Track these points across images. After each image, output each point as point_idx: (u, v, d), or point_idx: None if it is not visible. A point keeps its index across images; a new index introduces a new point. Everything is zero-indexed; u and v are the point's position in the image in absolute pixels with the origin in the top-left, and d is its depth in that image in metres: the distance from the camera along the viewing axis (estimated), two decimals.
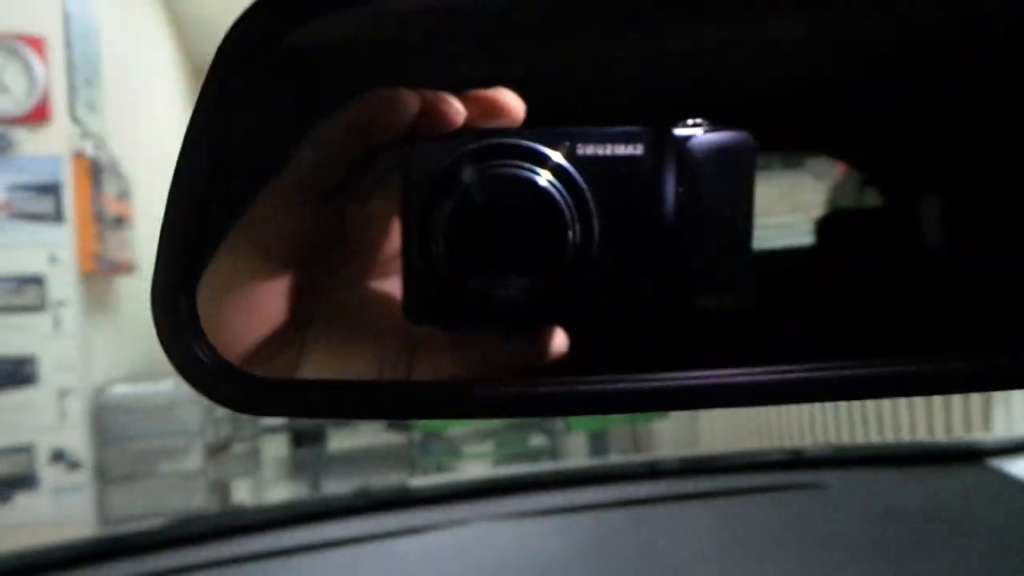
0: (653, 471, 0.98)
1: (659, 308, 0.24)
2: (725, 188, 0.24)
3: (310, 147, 0.26)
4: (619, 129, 0.24)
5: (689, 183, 0.24)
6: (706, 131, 0.24)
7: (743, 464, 0.98)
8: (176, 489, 3.04)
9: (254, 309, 0.26)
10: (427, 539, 0.81)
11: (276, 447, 4.58)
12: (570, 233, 0.23)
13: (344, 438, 5.55)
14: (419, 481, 0.94)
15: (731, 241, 0.24)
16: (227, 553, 0.80)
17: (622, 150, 0.23)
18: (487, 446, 3.81)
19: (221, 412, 3.74)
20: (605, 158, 0.23)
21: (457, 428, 4.28)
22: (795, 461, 0.95)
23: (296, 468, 4.81)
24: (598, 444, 3.40)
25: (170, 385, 3.12)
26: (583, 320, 0.25)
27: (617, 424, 3.28)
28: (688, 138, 0.24)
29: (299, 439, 4.64)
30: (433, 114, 0.24)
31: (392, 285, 0.27)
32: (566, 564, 0.72)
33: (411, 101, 0.24)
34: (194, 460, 3.07)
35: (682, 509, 0.85)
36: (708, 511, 0.85)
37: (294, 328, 0.27)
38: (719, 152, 0.24)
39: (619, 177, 0.23)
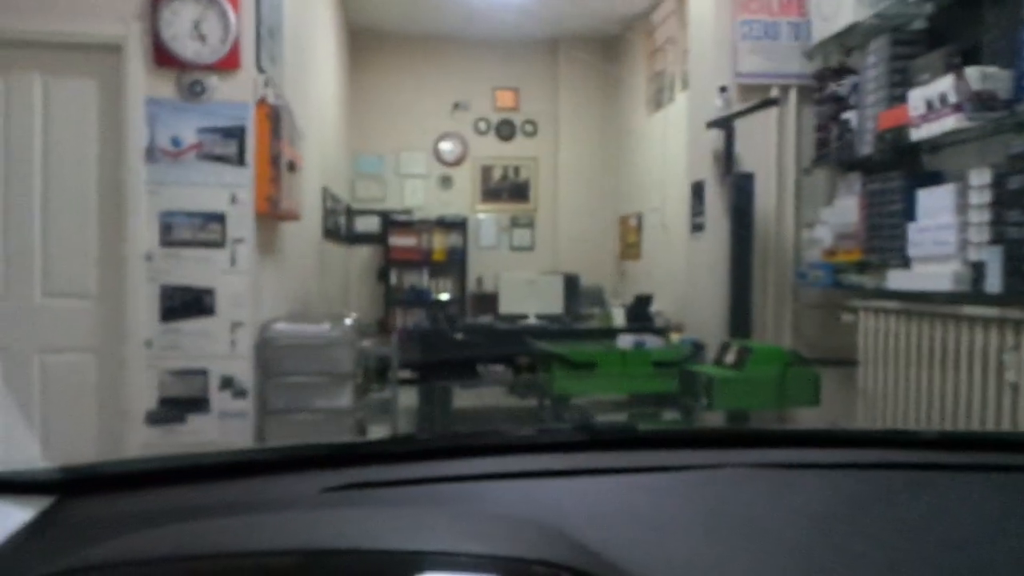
0: (908, 440, 0.91)
1: None
2: None
3: None
4: None
5: None
6: None
7: (1010, 441, 0.90)
8: (326, 424, 3.22)
9: None
10: (675, 478, 0.78)
11: (407, 398, 4.74)
12: None
13: (467, 398, 5.72)
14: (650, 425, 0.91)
15: None
16: (447, 471, 0.81)
17: None
18: (619, 417, 3.77)
19: (368, 357, 3.92)
20: None
21: (586, 397, 4.28)
22: None
23: (421, 419, 4.97)
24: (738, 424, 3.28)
25: (327, 327, 3.29)
26: None
27: (759, 408, 3.16)
28: None
29: (429, 394, 4.79)
30: None
31: None
32: (840, 520, 0.68)
33: None
34: (345, 399, 3.23)
35: (961, 480, 0.78)
36: (991, 485, 0.77)
37: None
38: None
39: None
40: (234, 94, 3.08)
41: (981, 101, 2.52)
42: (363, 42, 7.00)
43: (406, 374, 4.94)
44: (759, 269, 3.68)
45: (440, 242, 6.81)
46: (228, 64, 3.06)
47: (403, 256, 6.75)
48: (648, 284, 5.81)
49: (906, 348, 2.85)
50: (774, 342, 3.61)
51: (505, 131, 7.33)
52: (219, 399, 3.08)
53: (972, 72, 2.54)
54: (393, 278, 6.78)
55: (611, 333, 4.22)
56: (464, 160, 7.27)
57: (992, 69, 2.50)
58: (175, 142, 3.07)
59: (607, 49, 7.27)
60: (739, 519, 0.69)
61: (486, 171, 7.32)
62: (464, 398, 5.76)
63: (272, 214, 3.31)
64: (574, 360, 3.54)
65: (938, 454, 0.84)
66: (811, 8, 3.58)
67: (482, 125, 7.28)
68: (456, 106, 7.22)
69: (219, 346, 3.08)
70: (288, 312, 3.74)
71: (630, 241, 6.72)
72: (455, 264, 6.86)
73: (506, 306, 5.15)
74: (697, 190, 3.96)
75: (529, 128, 7.34)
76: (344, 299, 6.55)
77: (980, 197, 2.51)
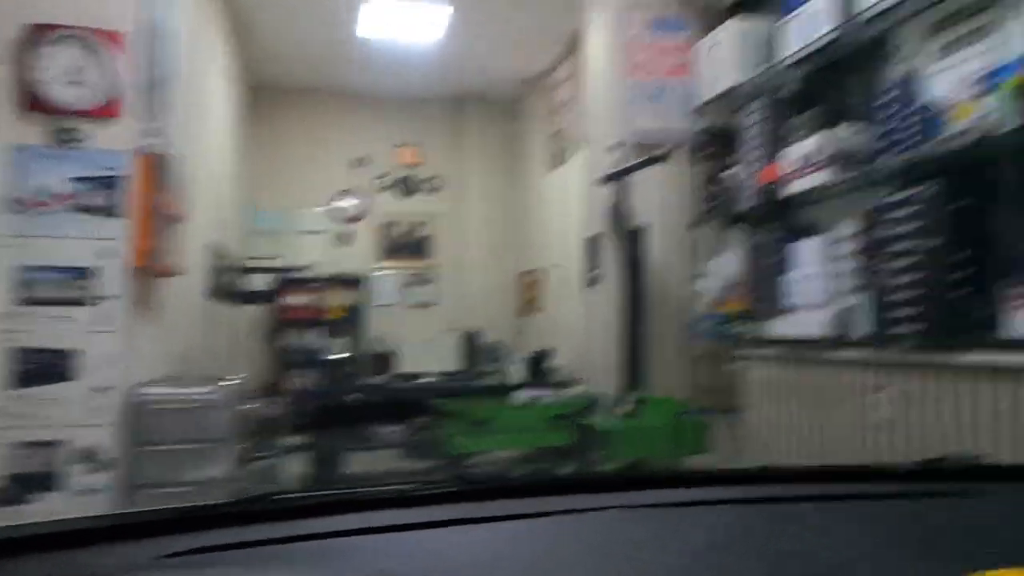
0: (780, 474, 0.91)
1: None
2: None
3: None
4: None
5: None
6: None
7: (876, 472, 0.91)
8: (202, 496, 2.96)
9: None
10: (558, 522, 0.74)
11: (297, 465, 4.49)
12: None
13: (362, 463, 5.47)
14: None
15: None
16: (307, 530, 0.73)
17: None
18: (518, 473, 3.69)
19: (254, 421, 3.67)
20: None
21: (486, 456, 4.18)
22: (931, 471, 0.88)
23: (315, 487, 4.71)
24: None
25: (207, 389, 3.07)
26: None
27: (656, 458, 3.18)
28: None
29: (321, 460, 4.55)
30: None
31: None
32: (718, 553, 0.65)
33: None
34: (224, 467, 3.00)
35: (826, 510, 0.78)
36: (853, 513, 0.78)
37: None
38: None
39: None
40: (113, 142, 2.91)
41: (844, 159, 2.70)
42: (262, 96, 6.88)
43: (296, 439, 4.69)
44: (653, 320, 3.75)
45: (337, 300, 6.62)
46: (107, 112, 2.89)
47: (297, 315, 6.52)
48: (549, 338, 5.84)
49: (787, 392, 2.95)
50: (669, 392, 3.66)
51: (407, 187, 7.32)
52: (77, 473, 2.79)
53: (835, 132, 2.73)
54: (286, 338, 6.51)
55: (510, 389, 4.17)
56: (365, 216, 7.18)
57: (852, 129, 2.70)
58: (42, 191, 2.85)
59: (509, 108, 7.46)
60: (620, 559, 0.66)
61: (387, 227, 7.25)
62: (359, 462, 5.51)
63: (151, 269, 3.10)
64: (470, 416, 3.45)
65: (807, 487, 0.85)
66: (697, 71, 3.79)
67: (384, 181, 7.25)
68: (357, 161, 7.16)
69: (81, 413, 2.81)
70: (165, 374, 3.48)
71: (531, 296, 6.77)
72: (352, 322, 6.67)
73: (404, 365, 5.03)
74: (593, 244, 4.04)
75: (432, 185, 7.37)
76: (232, 360, 6.21)
77: (846, 248, 2.67)
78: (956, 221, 2.24)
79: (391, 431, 4.10)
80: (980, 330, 2.14)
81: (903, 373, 2.37)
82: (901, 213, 2.40)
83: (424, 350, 4.83)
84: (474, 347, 5.25)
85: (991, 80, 2.16)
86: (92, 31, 2.86)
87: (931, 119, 2.38)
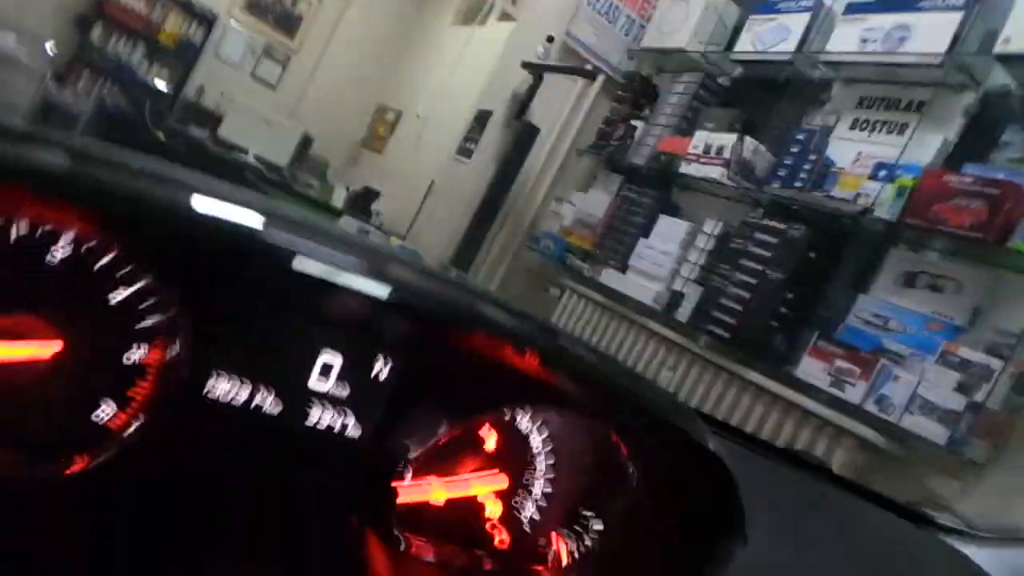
0: None
1: None
2: None
3: None
4: None
5: None
6: None
7: None
8: None
9: None
10: None
11: None
12: None
13: None
14: None
15: None
16: None
17: None
18: None
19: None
20: None
21: None
22: None
23: None
24: None
25: (10, 39, 2.48)
26: None
27: None
28: None
29: None
30: None
31: None
32: None
33: None
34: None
35: None
36: None
37: None
38: None
39: None
40: None
41: (743, 167, 2.89)
42: None
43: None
44: (500, 215, 3.78)
45: (175, 25, 5.72)
46: None
47: (122, 16, 5.51)
48: (377, 181, 5.63)
49: (591, 337, 3.18)
50: (484, 285, 3.75)
51: None
52: None
53: (749, 142, 2.90)
54: (97, 35, 5.50)
55: (332, 211, 3.99)
56: None
57: (763, 148, 2.89)
58: None
59: None
60: None
61: None
62: None
63: None
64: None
65: None
66: (655, 14, 3.76)
67: None
68: None
69: None
70: None
71: (378, 133, 6.44)
72: (182, 59, 5.83)
73: (228, 131, 4.54)
74: (481, 119, 3.92)
75: None
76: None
77: (705, 243, 2.90)
78: (801, 267, 2.52)
79: None
80: (776, 360, 2.47)
81: (697, 365, 2.67)
82: (763, 237, 2.65)
83: (256, 128, 4.39)
84: (305, 151, 4.89)
85: (888, 170, 2.43)
86: None
87: (823, 174, 2.64)
